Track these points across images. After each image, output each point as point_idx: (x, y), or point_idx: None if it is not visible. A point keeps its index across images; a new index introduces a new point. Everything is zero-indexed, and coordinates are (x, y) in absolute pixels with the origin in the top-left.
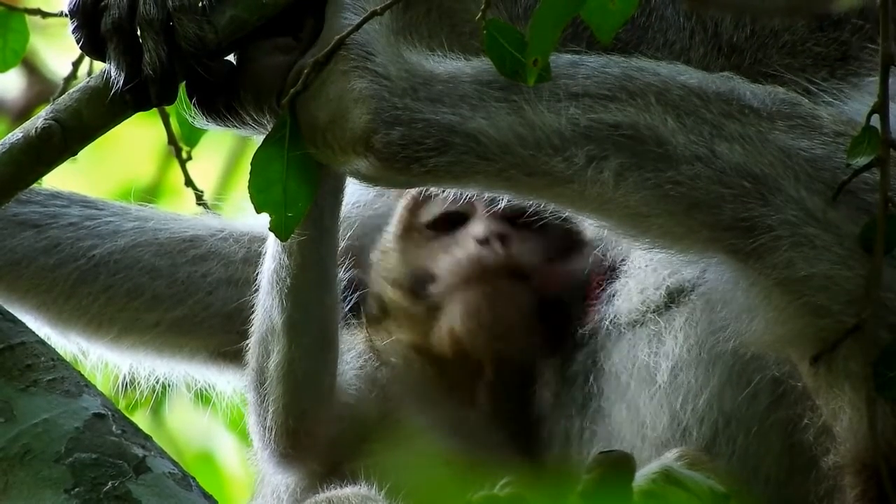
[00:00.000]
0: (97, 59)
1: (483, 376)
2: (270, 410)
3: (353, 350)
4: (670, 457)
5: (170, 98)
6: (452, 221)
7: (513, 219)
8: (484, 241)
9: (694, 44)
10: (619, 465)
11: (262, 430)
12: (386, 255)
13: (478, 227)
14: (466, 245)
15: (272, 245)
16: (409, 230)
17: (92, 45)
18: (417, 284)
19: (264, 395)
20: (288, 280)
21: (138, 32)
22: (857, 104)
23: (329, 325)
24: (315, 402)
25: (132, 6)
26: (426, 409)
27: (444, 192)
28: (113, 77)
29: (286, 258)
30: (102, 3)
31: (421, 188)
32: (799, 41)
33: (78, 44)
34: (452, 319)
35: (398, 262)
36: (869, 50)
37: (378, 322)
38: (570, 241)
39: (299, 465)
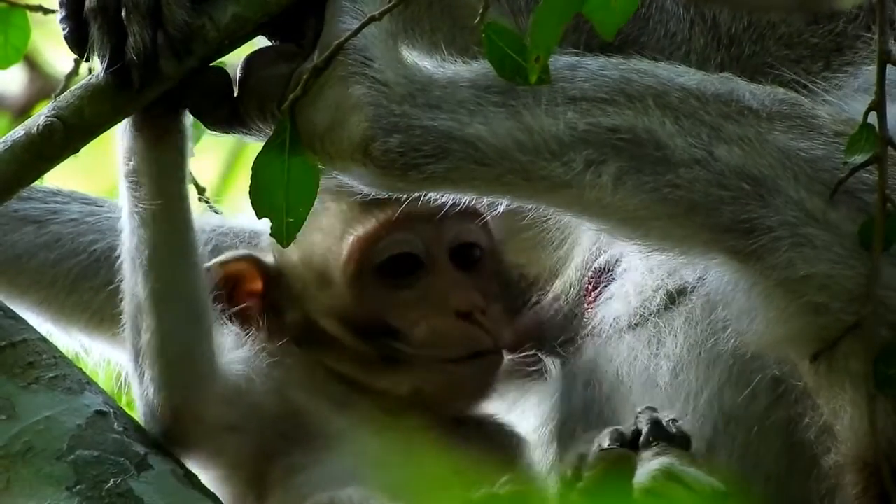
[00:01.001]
0: (79, 53)
1: (423, 411)
2: (151, 388)
3: (234, 335)
4: (671, 455)
5: (151, 83)
6: (406, 266)
7: (462, 259)
8: (466, 315)
9: (694, 34)
10: (620, 462)
11: (147, 409)
12: (330, 288)
13: (457, 298)
14: (445, 315)
15: (129, 221)
16: (361, 274)
17: (77, 36)
18: (373, 332)
19: (142, 374)
20: (147, 252)
21: (123, 15)
22: (855, 103)
23: (196, 297)
24: (195, 379)
25: None
26: (341, 411)
27: (395, 237)
28: (95, 59)
29: (143, 231)
30: None
31: (368, 227)
32: (795, 33)
33: (64, 33)
34: (424, 383)
35: (350, 303)
36: (864, 38)
37: (299, 339)
38: (512, 282)
39: (191, 446)
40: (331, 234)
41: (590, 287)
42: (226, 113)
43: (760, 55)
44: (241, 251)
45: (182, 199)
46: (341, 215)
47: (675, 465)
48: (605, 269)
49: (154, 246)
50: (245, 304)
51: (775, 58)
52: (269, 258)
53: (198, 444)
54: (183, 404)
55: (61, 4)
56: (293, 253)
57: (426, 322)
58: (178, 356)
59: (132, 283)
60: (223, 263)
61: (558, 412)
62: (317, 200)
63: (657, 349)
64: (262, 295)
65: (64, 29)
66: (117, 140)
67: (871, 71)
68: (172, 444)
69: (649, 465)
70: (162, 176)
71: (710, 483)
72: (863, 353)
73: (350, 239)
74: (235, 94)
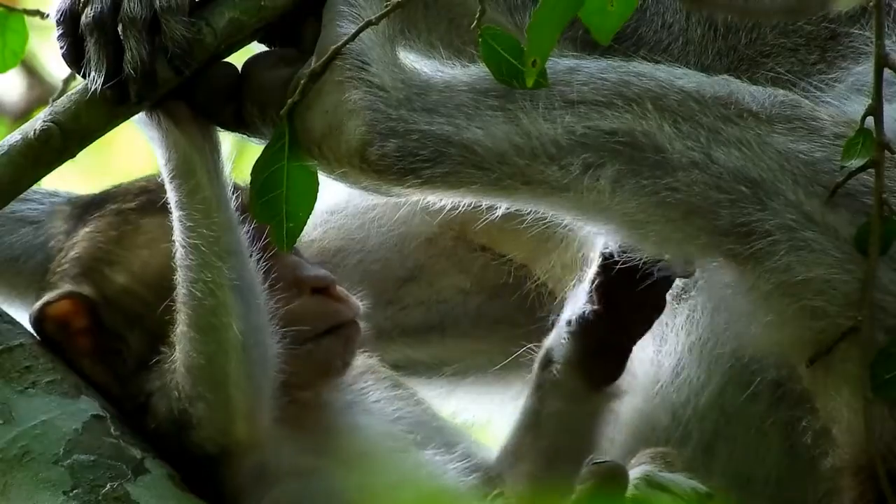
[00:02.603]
0: (76, 70)
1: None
2: (238, 391)
3: None
4: (643, 460)
5: (150, 97)
6: None
7: None
8: (322, 290)
9: (691, 24)
10: (613, 475)
11: (227, 423)
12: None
13: (309, 275)
14: (303, 295)
15: (184, 221)
16: None
17: (75, 53)
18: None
19: (223, 379)
20: (223, 239)
21: (120, 30)
22: (851, 104)
23: (262, 288)
24: (271, 378)
25: (116, 4)
26: None
27: None
28: (92, 73)
29: (211, 220)
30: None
31: None
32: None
33: (61, 51)
34: (293, 370)
35: None
36: (860, 23)
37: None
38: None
39: (243, 466)
40: (159, 248)
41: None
42: (231, 113)
43: (757, 43)
44: (59, 290)
45: (226, 180)
46: (161, 228)
47: (654, 471)
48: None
49: (228, 230)
50: (82, 346)
51: (772, 46)
52: (86, 289)
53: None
54: (266, 410)
55: (58, 22)
56: (118, 277)
57: (287, 306)
58: (265, 352)
59: (208, 281)
60: (48, 305)
61: None
62: (120, 220)
63: (660, 346)
64: (90, 331)
65: (61, 47)
66: (153, 145)
67: (862, 69)
68: (246, 463)
69: (631, 474)
70: (213, 158)
71: (693, 486)
72: (859, 356)
73: None
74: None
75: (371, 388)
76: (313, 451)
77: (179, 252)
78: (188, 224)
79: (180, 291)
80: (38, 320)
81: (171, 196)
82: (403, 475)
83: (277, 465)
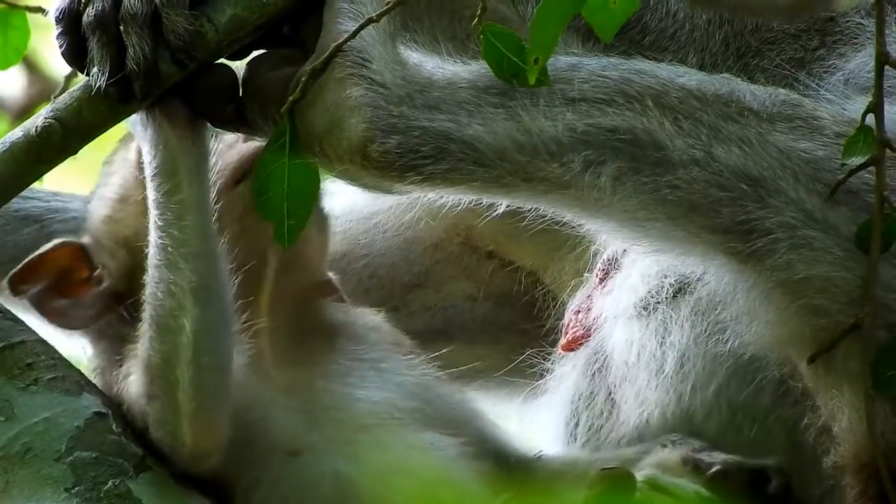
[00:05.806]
0: (77, 67)
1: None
2: (186, 396)
3: None
4: (645, 463)
5: (154, 93)
6: None
7: None
8: None
9: (696, 11)
10: (621, 481)
11: (175, 426)
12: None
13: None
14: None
15: (157, 220)
16: None
17: (75, 51)
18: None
19: (174, 382)
20: (192, 243)
21: (121, 27)
22: (851, 102)
23: (229, 292)
24: (226, 388)
25: (117, 2)
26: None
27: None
28: (95, 72)
29: (186, 221)
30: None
31: None
32: None
33: (61, 49)
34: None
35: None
36: (855, 10)
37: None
38: None
39: (211, 469)
40: (127, 201)
41: (599, 275)
42: (231, 113)
43: (762, 30)
44: (60, 240)
45: (209, 192)
46: (126, 183)
47: (658, 474)
48: (613, 257)
49: (198, 234)
50: (80, 296)
51: (776, 32)
52: (87, 241)
53: (213, 468)
54: (217, 417)
55: (57, 20)
56: (106, 228)
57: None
58: (218, 360)
59: (170, 281)
60: (46, 254)
61: (568, 401)
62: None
63: (664, 338)
64: (92, 280)
65: (61, 45)
66: (138, 138)
67: (858, 63)
68: (197, 461)
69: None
70: (199, 162)
71: (696, 490)
72: (861, 354)
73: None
74: (241, 94)
75: (374, 351)
76: (305, 426)
77: (151, 251)
78: (160, 224)
79: (147, 290)
80: (28, 271)
81: (150, 195)
82: (399, 456)
83: (268, 445)
